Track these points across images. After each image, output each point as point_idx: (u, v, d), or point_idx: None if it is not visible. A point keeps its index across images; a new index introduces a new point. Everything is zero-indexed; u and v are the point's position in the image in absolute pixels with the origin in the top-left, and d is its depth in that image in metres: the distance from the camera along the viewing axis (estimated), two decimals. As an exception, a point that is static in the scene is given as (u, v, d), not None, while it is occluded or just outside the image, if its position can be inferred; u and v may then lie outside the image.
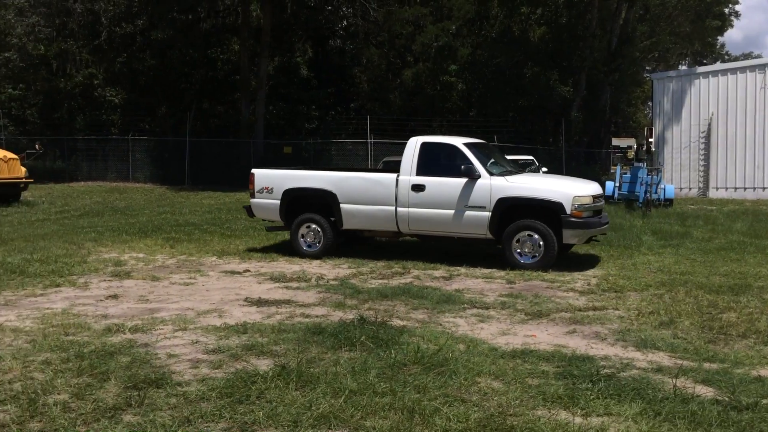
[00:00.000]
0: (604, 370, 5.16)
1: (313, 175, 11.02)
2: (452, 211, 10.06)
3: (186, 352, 5.51)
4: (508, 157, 22.96)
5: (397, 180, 10.37)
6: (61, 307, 7.09)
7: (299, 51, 35.33)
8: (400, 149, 27.56)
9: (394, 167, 22.39)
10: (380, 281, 8.89)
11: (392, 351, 5.44)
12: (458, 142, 10.53)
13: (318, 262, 10.43)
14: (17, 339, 5.84)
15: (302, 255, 10.77)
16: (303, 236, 10.92)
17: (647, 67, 42.46)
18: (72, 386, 4.60)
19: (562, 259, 10.77)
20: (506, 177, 10.08)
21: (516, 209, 9.82)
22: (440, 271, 9.71)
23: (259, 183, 11.09)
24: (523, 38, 30.91)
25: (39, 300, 7.50)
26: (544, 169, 21.74)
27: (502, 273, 9.54)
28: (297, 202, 10.90)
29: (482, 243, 10.43)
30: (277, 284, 8.64)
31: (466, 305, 7.46)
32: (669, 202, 19.93)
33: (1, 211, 16.50)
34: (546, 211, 9.67)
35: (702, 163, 24.84)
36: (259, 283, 8.77)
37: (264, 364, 5.14)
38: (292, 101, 32.30)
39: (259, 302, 7.51)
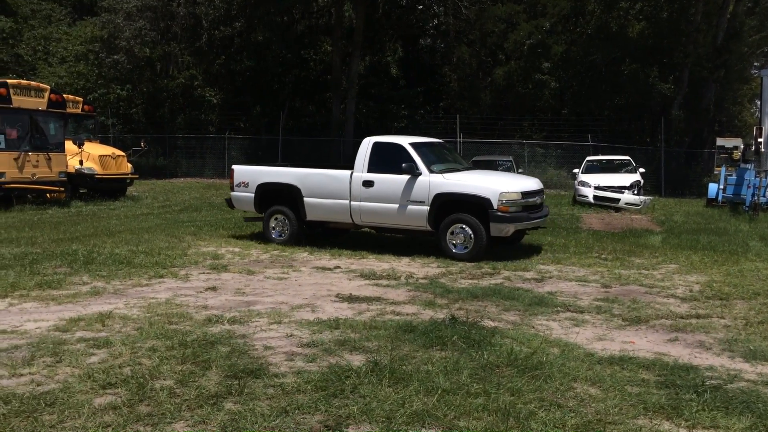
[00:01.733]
0: (710, 381, 4.91)
1: (281, 171, 12.14)
2: (397, 205, 10.89)
3: (281, 345, 5.65)
4: (603, 158, 22.42)
5: (351, 176, 11.23)
6: (164, 297, 7.44)
7: (389, 50, 35.56)
8: (489, 148, 27.38)
9: (484, 166, 22.30)
10: (470, 281, 8.82)
11: (484, 352, 5.39)
12: (405, 141, 11.29)
13: (407, 260, 10.47)
14: (126, 326, 6.18)
15: (272, 242, 11.82)
16: (273, 226, 11.99)
17: (756, 63, 39.94)
18: (177, 373, 4.82)
19: (665, 262, 10.36)
20: (444, 174, 10.81)
21: (451, 204, 10.58)
22: (531, 272, 9.53)
23: (237, 178, 12.39)
24: (621, 34, 29.75)
25: (144, 290, 7.90)
26: (642, 169, 20.89)
27: (597, 276, 9.27)
28: (268, 195, 12.00)
29: (423, 234, 11.16)
30: (367, 281, 8.73)
31: (559, 308, 7.29)
32: (779, 206, 18.71)
33: (109, 205, 17.51)
34: (476, 206, 10.41)
35: (816, 164, 23.12)
36: (350, 279, 8.89)
37: (357, 360, 5.21)
38: (382, 100, 32.54)
39: (350, 298, 7.61)
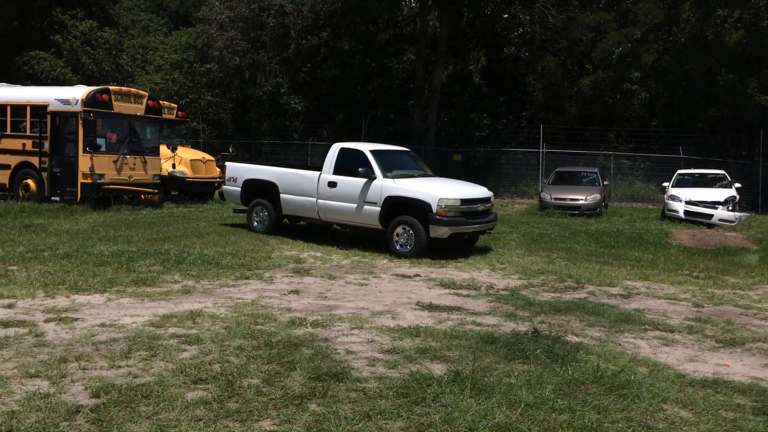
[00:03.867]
0: (813, 411, 4.62)
1: (264, 169, 13.60)
2: (354, 205, 11.97)
3: (363, 350, 5.72)
4: (695, 171, 21.47)
5: (318, 177, 12.44)
6: (250, 299, 7.67)
7: (473, 59, 35.38)
8: (573, 159, 26.75)
9: (568, 178, 21.79)
10: (552, 294, 8.66)
11: (569, 367, 5.27)
12: (366, 148, 12.44)
13: (487, 270, 10.38)
14: (214, 324, 6.41)
15: (253, 230, 13.29)
16: (255, 216, 13.48)
17: None
18: (263, 372, 4.96)
19: (762, 283, 9.83)
20: (396, 179, 11.80)
21: (399, 206, 11.56)
22: (617, 288, 9.25)
23: (228, 174, 14.02)
24: (717, 43, 28.44)
25: (231, 290, 8.16)
26: (737, 184, 19.88)
27: (688, 295, 8.90)
28: (252, 189, 13.50)
29: (376, 232, 11.99)
30: (447, 290, 8.71)
31: (647, 326, 7.04)
32: None
33: (198, 207, 18.20)
34: (418, 209, 11.34)
35: None
36: (429, 288, 8.89)
37: (438, 369, 5.20)
38: (464, 109, 32.39)
39: (431, 307, 7.62)
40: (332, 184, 12.23)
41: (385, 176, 11.77)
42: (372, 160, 11.97)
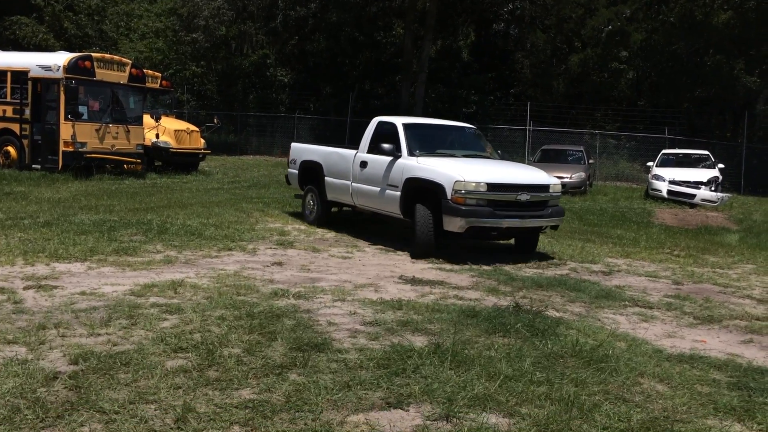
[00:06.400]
0: (786, 386, 4.70)
1: (313, 149, 11.91)
2: (378, 189, 9.94)
3: (345, 322, 5.73)
4: (680, 151, 21.59)
5: (354, 156, 10.55)
6: (233, 269, 7.64)
7: (462, 35, 35.15)
8: (560, 137, 26.81)
9: (553, 156, 21.83)
10: (535, 270, 8.71)
11: (548, 341, 5.31)
12: (399, 121, 10.28)
13: (471, 246, 10.40)
14: (196, 294, 6.38)
15: (306, 220, 11.68)
16: (307, 204, 11.78)
17: None
18: (244, 342, 4.95)
19: (741, 262, 9.95)
20: (419, 158, 9.45)
21: (417, 190, 9.25)
22: (599, 265, 9.33)
23: (291, 155, 12.42)
24: (705, 23, 28.45)
25: (214, 261, 8.13)
26: (721, 165, 20.04)
27: (668, 273, 9.00)
28: (307, 172, 11.75)
29: (401, 222, 9.81)
30: (430, 265, 8.73)
31: (627, 303, 7.11)
32: None
33: (182, 178, 18.06)
34: (432, 193, 8.97)
35: None
36: (413, 262, 8.90)
37: (419, 341, 5.23)
38: (452, 85, 32.26)
39: (413, 281, 7.63)
40: (363, 164, 10.26)
41: (411, 154, 9.54)
42: (402, 134, 9.83)
